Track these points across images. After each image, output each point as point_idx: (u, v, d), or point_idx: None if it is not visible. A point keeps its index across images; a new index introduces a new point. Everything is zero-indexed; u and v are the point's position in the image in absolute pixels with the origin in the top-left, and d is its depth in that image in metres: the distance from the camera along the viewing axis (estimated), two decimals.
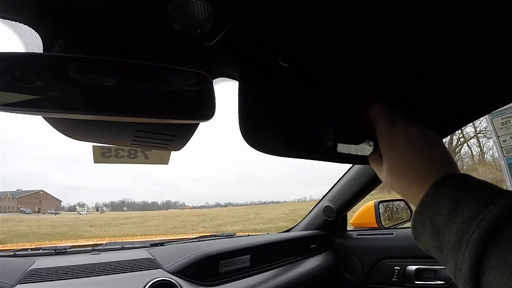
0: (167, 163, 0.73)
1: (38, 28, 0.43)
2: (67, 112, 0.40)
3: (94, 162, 0.66)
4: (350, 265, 1.48)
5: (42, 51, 0.45)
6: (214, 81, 0.58)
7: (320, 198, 1.59)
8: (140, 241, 1.33)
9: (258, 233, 1.61)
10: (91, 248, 1.15)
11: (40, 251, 1.07)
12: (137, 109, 0.43)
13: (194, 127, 0.56)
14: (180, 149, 0.65)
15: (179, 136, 0.58)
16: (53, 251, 1.08)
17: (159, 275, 0.90)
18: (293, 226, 1.68)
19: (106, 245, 1.20)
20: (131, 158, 0.68)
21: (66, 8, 0.38)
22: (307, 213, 1.63)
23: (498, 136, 2.33)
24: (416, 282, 1.27)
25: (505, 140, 2.31)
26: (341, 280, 1.50)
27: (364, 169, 1.36)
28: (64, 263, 0.91)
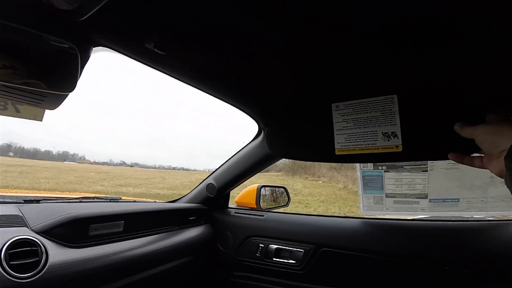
0: (41, 120, 0.72)
1: None
2: None
3: None
4: (224, 238, 1.66)
5: None
6: (95, 49, 0.60)
7: None
8: (13, 196, 1.26)
9: (144, 199, 1.66)
10: None
11: None
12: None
13: None
14: (55, 108, 0.64)
15: (50, 97, 0.58)
16: None
17: (22, 233, 0.89)
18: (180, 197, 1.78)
19: None
20: (0, 110, 0.65)
21: None
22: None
23: None
24: (274, 259, 1.49)
25: None
26: (215, 251, 1.67)
27: (249, 154, 1.53)
28: None
